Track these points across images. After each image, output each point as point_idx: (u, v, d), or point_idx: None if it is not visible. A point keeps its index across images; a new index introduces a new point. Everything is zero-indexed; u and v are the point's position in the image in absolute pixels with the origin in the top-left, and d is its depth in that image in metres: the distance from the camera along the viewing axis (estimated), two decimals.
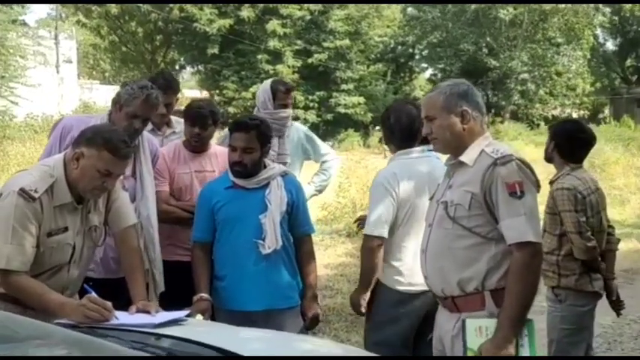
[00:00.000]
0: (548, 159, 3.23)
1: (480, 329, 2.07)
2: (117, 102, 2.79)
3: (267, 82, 3.68)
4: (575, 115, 31.97)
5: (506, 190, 2.06)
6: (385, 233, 2.68)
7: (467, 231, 2.13)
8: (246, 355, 1.77)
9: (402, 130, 2.78)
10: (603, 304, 3.35)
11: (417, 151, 2.77)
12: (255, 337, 2.11)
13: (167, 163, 3.10)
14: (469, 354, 2.08)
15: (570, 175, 3.08)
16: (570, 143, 3.13)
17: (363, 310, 2.79)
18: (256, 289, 2.74)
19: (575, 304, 3.07)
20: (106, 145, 2.26)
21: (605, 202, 3.19)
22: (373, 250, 2.70)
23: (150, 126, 3.24)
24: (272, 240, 2.71)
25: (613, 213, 9.79)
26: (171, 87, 3.30)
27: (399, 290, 2.73)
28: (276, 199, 2.76)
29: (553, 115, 30.38)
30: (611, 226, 3.26)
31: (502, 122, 25.77)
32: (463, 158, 2.18)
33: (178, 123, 3.47)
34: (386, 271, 2.75)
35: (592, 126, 21.75)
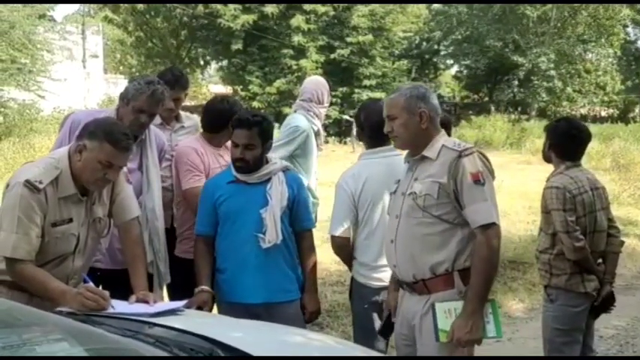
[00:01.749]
0: (546, 158, 3.21)
1: (449, 311, 2.27)
2: (124, 97, 2.85)
3: (321, 78, 3.80)
4: (604, 114, 31.37)
5: (470, 179, 2.27)
6: (345, 232, 2.84)
7: (436, 219, 2.32)
8: (233, 345, 1.81)
9: (371, 128, 2.87)
10: (619, 307, 3.33)
11: (384, 150, 2.87)
12: (247, 329, 2.16)
13: (200, 157, 3.11)
14: (441, 334, 2.26)
15: (563, 173, 3.06)
16: (565, 142, 3.11)
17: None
18: (256, 282, 2.78)
19: (566, 304, 3.05)
20: (108, 138, 2.33)
21: (605, 202, 3.14)
22: (339, 249, 2.90)
23: (159, 120, 3.31)
24: (272, 234, 2.76)
25: (638, 214, 9.62)
26: (179, 82, 3.34)
27: (364, 284, 2.85)
28: (277, 194, 2.80)
29: (581, 114, 29.82)
30: (614, 227, 3.20)
31: (528, 120, 25.38)
32: (427, 153, 2.39)
33: (188, 118, 3.53)
34: (355, 267, 2.90)
35: (621, 125, 21.30)
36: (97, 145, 2.33)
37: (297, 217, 2.90)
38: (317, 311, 2.95)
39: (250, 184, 2.82)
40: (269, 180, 2.83)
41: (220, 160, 3.17)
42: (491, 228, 2.26)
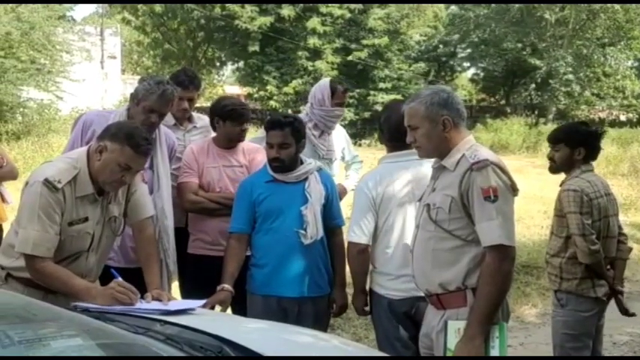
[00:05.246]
0: (568, 167, 3.10)
1: (459, 330, 2.15)
2: (135, 97, 2.90)
3: (326, 81, 3.80)
4: (622, 118, 30.99)
5: (481, 195, 2.12)
6: (366, 240, 2.70)
7: (448, 233, 2.20)
8: (243, 344, 1.83)
9: (390, 130, 2.76)
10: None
11: (406, 154, 2.69)
12: (257, 328, 2.18)
13: (195, 156, 3.21)
14: (448, 354, 2.15)
15: (579, 177, 3.04)
16: (597, 144, 3.11)
17: (367, 308, 2.84)
18: (294, 277, 2.87)
19: (576, 309, 3.03)
20: (129, 141, 2.36)
21: (616, 208, 3.13)
22: (357, 257, 2.74)
23: (172, 121, 3.36)
24: (313, 230, 2.85)
25: None
26: (192, 83, 3.39)
27: (385, 296, 2.72)
28: (316, 192, 2.91)
29: (600, 118, 29.48)
30: (623, 234, 3.20)
31: (545, 124, 25.15)
32: (445, 163, 2.26)
33: (200, 119, 3.57)
34: (373, 278, 2.78)
35: None
36: (118, 147, 2.36)
37: (330, 215, 2.98)
38: (345, 305, 3.01)
39: (288, 183, 2.91)
40: (306, 179, 2.92)
41: (223, 160, 3.22)
42: (498, 249, 2.10)
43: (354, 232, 2.71)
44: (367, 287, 2.84)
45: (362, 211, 2.70)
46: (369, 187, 2.71)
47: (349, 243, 2.76)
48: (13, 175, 3.61)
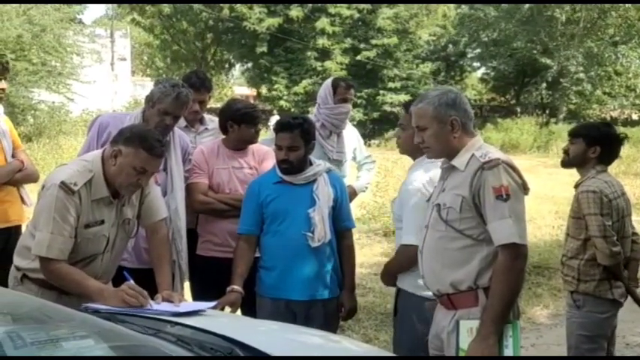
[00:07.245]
0: (579, 163, 3.08)
1: (471, 330, 2.14)
2: (150, 99, 2.91)
3: (329, 79, 3.82)
4: (635, 117, 30.77)
5: (492, 194, 2.11)
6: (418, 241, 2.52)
7: (459, 233, 2.19)
8: (253, 345, 1.83)
9: None
10: None
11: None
12: (267, 329, 2.18)
13: (205, 157, 3.20)
14: (461, 354, 2.14)
15: (596, 178, 3.00)
16: (615, 147, 3.08)
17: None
18: (302, 280, 2.85)
19: (593, 311, 3.00)
20: (143, 144, 2.38)
21: (630, 208, 3.10)
22: (413, 259, 2.50)
23: (183, 123, 3.37)
24: (321, 233, 2.83)
25: None
26: (204, 85, 3.40)
27: (420, 295, 2.60)
28: (324, 194, 2.88)
29: (611, 117, 29.27)
30: (635, 234, 3.16)
31: (556, 123, 24.99)
32: (455, 163, 2.25)
33: (211, 120, 3.58)
34: (405, 277, 2.67)
35: None
36: (133, 151, 2.38)
37: (340, 217, 2.96)
38: (354, 308, 3.01)
39: (296, 184, 2.89)
40: (314, 181, 2.90)
41: (233, 162, 3.21)
42: (511, 248, 2.09)
43: (410, 234, 2.54)
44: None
45: (418, 212, 2.51)
46: (426, 187, 2.57)
47: (405, 246, 2.58)
48: (33, 179, 3.63)
